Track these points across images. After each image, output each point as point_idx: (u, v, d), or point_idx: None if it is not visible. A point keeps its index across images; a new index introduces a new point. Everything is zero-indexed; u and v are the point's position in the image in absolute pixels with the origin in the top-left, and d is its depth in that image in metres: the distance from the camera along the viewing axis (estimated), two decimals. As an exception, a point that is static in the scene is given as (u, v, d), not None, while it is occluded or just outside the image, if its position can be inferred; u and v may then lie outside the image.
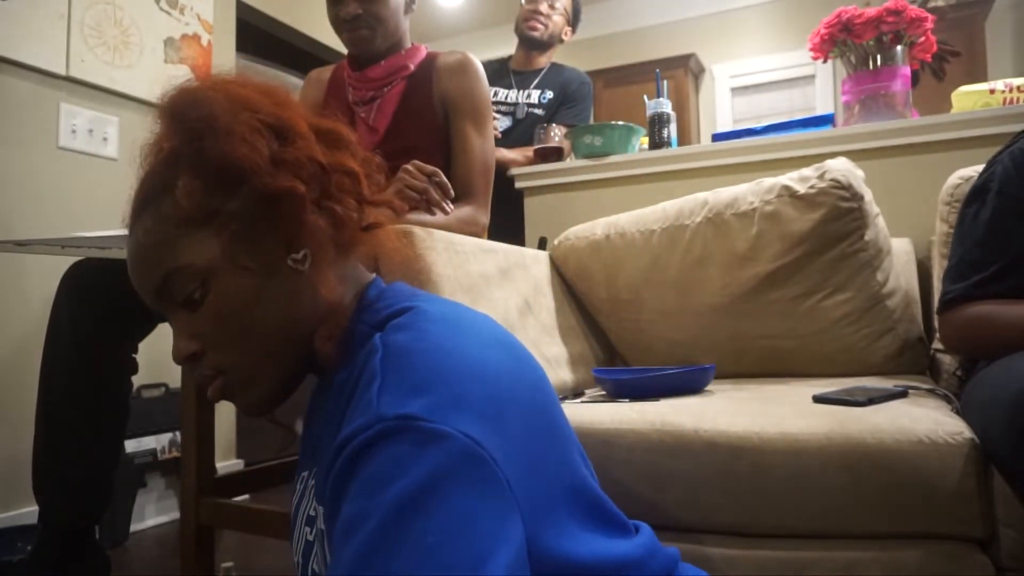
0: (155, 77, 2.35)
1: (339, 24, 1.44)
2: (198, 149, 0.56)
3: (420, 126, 1.45)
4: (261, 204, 0.56)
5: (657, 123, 1.96)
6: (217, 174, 0.56)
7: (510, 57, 2.44)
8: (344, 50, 1.54)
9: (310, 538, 0.62)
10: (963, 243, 1.04)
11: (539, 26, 2.32)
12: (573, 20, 2.43)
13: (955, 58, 1.97)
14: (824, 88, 4.49)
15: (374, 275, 0.67)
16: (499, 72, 2.37)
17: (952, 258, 1.06)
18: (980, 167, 1.26)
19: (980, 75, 3.50)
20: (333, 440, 0.54)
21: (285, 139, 0.58)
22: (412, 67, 1.49)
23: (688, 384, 1.15)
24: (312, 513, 0.63)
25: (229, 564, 1.37)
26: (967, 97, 1.69)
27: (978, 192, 1.05)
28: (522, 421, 0.51)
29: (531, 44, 2.35)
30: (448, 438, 0.44)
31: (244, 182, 0.56)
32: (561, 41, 2.42)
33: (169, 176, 0.58)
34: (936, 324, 1.15)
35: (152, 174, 0.60)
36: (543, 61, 2.39)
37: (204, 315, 0.57)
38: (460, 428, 0.44)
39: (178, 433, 2.10)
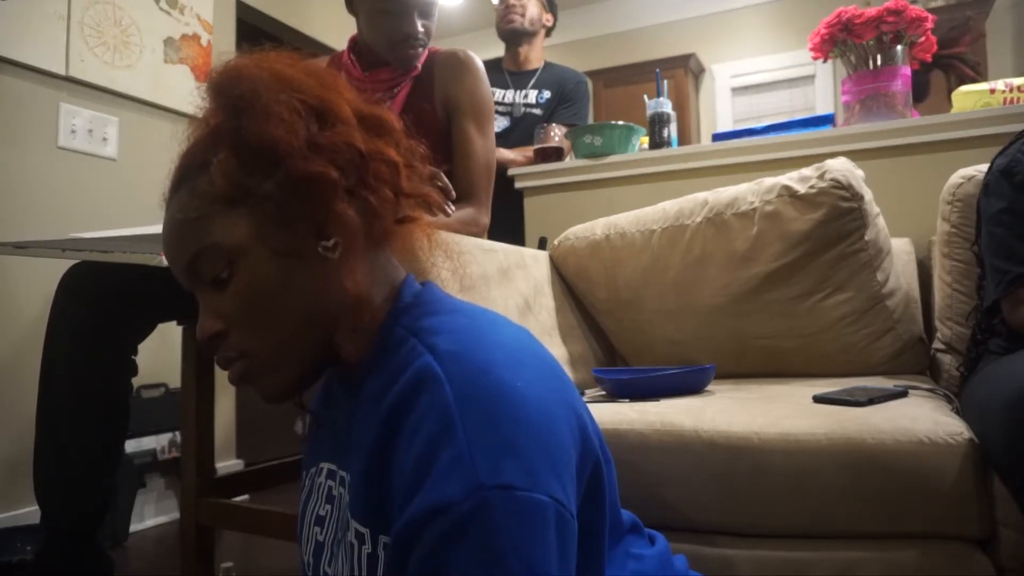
0: (155, 77, 2.35)
1: (396, 39, 1.40)
2: (237, 127, 0.55)
3: (422, 127, 1.44)
4: (294, 187, 0.55)
5: (657, 123, 1.96)
6: (253, 153, 0.55)
7: (501, 59, 2.44)
8: (341, 47, 1.54)
9: (320, 539, 0.62)
10: (1012, 228, 1.02)
11: (516, 17, 2.32)
12: (550, 5, 2.42)
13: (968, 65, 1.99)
14: (824, 88, 4.49)
15: (407, 273, 0.65)
16: (493, 73, 2.37)
17: (992, 243, 1.05)
18: (981, 167, 1.26)
19: (980, 75, 3.50)
20: (368, 446, 0.53)
21: (325, 122, 0.57)
22: (419, 68, 1.48)
23: (688, 384, 1.15)
24: (322, 513, 0.62)
25: (229, 564, 1.37)
26: (967, 97, 1.69)
27: (1006, 175, 1.04)
28: (576, 453, 0.52)
29: (514, 37, 2.35)
30: (545, 507, 0.46)
31: (280, 164, 0.55)
32: (545, 28, 2.41)
33: (208, 152, 0.57)
34: (999, 309, 1.08)
35: (193, 149, 0.59)
36: (535, 58, 2.39)
37: (230, 295, 0.56)
38: (551, 492, 0.46)
39: (178, 433, 2.10)
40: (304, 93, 0.57)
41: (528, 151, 2.13)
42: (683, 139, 4.14)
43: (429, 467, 0.46)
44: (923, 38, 1.74)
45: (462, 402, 0.48)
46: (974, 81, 1.81)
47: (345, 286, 0.56)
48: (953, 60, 2.09)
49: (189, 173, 0.58)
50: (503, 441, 0.46)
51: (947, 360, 1.32)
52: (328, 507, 0.62)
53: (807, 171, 1.23)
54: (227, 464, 2.56)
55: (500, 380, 0.49)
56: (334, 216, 0.56)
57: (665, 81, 2.08)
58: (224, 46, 2.68)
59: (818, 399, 0.98)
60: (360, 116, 0.60)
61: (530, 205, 2.07)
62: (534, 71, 2.36)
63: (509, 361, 0.51)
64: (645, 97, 2.03)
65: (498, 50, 2.47)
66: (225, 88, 0.57)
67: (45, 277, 1.94)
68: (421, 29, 1.41)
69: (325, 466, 0.65)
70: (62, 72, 2.08)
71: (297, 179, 0.55)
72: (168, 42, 2.42)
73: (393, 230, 0.61)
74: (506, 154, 2.10)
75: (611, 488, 0.62)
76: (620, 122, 2.00)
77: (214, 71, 0.59)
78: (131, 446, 2.08)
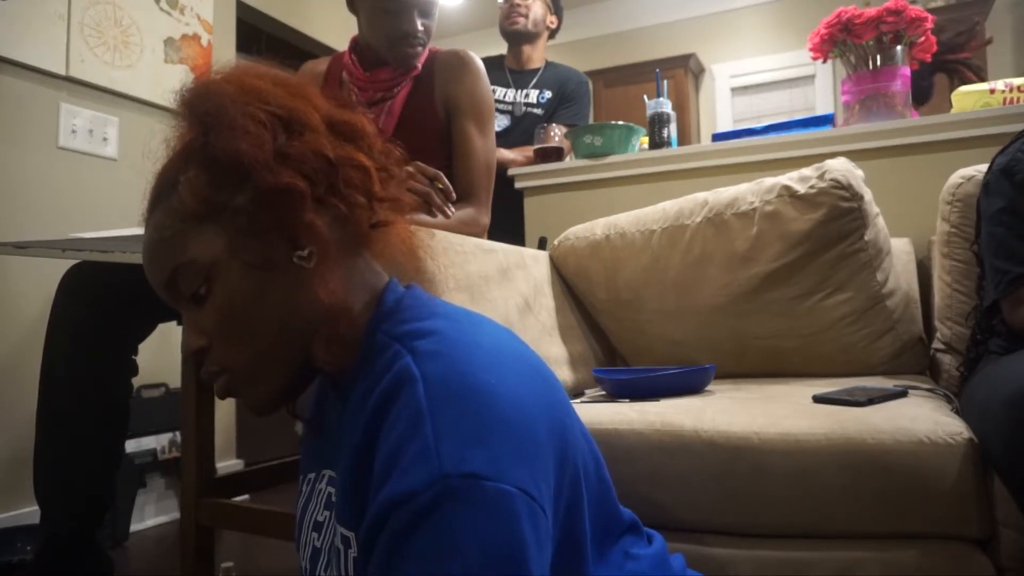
0: (155, 77, 2.35)
1: (396, 37, 1.40)
2: (205, 143, 0.56)
3: (423, 127, 1.45)
4: (262, 200, 0.55)
5: (657, 123, 1.96)
6: (222, 168, 0.55)
7: (504, 56, 2.44)
8: (341, 47, 1.54)
9: (317, 544, 0.62)
10: (1012, 228, 1.01)
11: (520, 18, 2.31)
12: (555, 7, 2.42)
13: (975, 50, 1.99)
14: (824, 88, 4.49)
15: (389, 277, 0.65)
16: (494, 70, 2.36)
17: (992, 243, 1.04)
18: (981, 167, 1.26)
19: (983, 80, 3.50)
20: (352, 450, 0.54)
21: (293, 131, 0.57)
22: (419, 68, 1.48)
23: (688, 384, 1.15)
24: (320, 519, 0.62)
25: (229, 564, 1.37)
26: (967, 97, 1.69)
27: (1006, 174, 1.04)
28: (553, 455, 0.52)
29: (518, 38, 2.35)
30: (511, 498, 0.45)
31: (248, 177, 0.55)
32: (549, 30, 2.40)
33: (180, 170, 0.57)
34: (1001, 308, 1.06)
35: (167, 168, 0.59)
36: (537, 58, 2.38)
37: (209, 311, 0.57)
38: (519, 484, 0.46)
39: (178, 433, 2.10)
40: (271, 104, 0.57)
41: (528, 151, 2.12)
42: (683, 139, 4.14)
43: (397, 461, 0.46)
44: (923, 38, 1.74)
45: (433, 399, 0.48)
46: (975, 85, 1.82)
47: (319, 296, 0.57)
48: (958, 65, 2.10)
49: (164, 191, 0.58)
50: (471, 433, 0.46)
51: (947, 360, 1.32)
52: (327, 513, 0.62)
53: (807, 171, 1.23)
54: (227, 464, 2.55)
55: (475, 378, 0.49)
56: (303, 226, 0.56)
57: (665, 81, 2.08)
58: (224, 46, 2.68)
59: (818, 399, 0.98)
60: (330, 123, 0.60)
61: (530, 205, 2.07)
62: (536, 70, 2.36)
63: (488, 361, 0.52)
64: (645, 97, 2.03)
65: (499, 50, 2.46)
66: (194, 105, 0.58)
67: (45, 277, 1.94)
68: (421, 28, 1.41)
69: (326, 472, 0.65)
70: (62, 72, 2.08)
71: (265, 191, 0.55)
72: (168, 42, 2.42)
73: (369, 235, 0.61)
74: (506, 154, 2.10)
75: (606, 490, 0.62)
76: (620, 122, 2.00)
77: (184, 88, 0.59)
78: (131, 446, 2.08)
